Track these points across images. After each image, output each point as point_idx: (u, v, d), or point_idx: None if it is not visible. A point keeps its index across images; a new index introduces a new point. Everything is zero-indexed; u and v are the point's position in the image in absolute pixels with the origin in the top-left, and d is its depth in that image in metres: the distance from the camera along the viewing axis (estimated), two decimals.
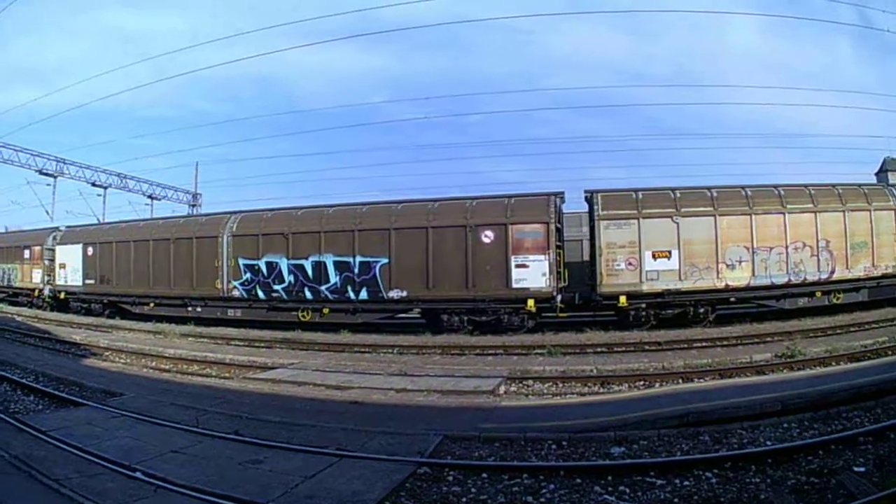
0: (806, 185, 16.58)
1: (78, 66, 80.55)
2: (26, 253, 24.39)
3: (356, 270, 16.04)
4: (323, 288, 16.44)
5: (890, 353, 11.06)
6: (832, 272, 16.00)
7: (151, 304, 19.31)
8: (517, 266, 14.89)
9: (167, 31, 74.29)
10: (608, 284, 15.02)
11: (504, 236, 15.00)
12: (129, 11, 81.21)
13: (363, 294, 16.02)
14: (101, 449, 6.06)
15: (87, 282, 21.21)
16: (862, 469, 4.85)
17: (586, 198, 15.69)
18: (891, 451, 5.24)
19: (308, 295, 16.65)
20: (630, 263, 15.05)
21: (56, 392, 9.56)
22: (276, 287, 17.00)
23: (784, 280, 15.59)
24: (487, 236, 15.15)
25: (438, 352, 13.48)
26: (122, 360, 14.12)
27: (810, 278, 15.78)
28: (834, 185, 16.95)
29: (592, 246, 15.35)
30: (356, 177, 56.86)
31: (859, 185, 17.42)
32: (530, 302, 14.81)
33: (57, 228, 24.35)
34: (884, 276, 16.47)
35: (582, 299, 15.61)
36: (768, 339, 13.22)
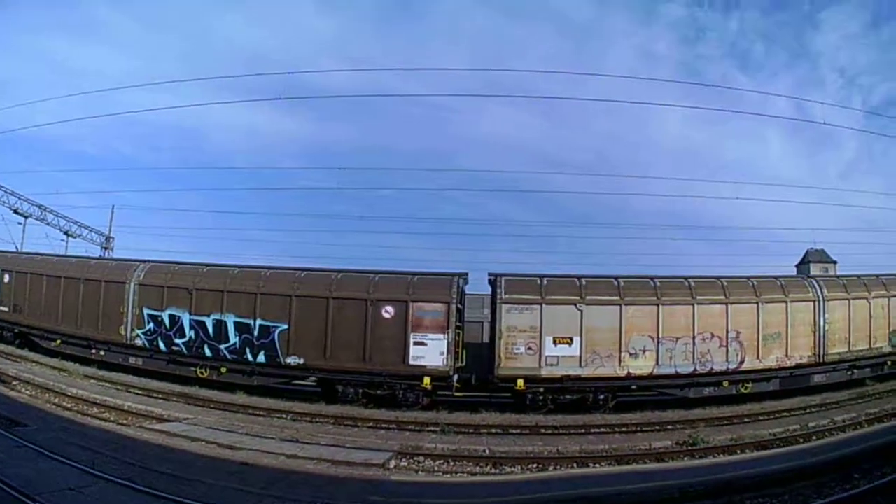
0: (718, 277, 16.67)
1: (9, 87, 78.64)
2: None
3: (256, 333, 15.83)
4: (222, 347, 16.19)
5: (801, 440, 11.14)
6: (741, 362, 16.10)
7: (58, 341, 18.83)
8: (415, 343, 14.80)
9: (102, 67, 72.83)
10: (506, 367, 14.89)
11: (405, 313, 14.91)
12: (71, 41, 78.98)
13: (261, 357, 15.78)
14: (3, 475, 6.34)
15: (1, 308, 20.66)
16: None
17: (490, 281, 15.58)
18: None
19: (207, 352, 16.38)
20: (530, 348, 14.93)
21: None
22: (178, 341, 16.70)
23: (690, 370, 15.62)
24: (388, 311, 15.03)
25: (332, 421, 13.38)
26: (28, 392, 14.10)
27: (718, 368, 15.84)
28: (749, 278, 17.08)
29: (493, 328, 15.22)
30: (265, 239, 57.22)
31: (776, 278, 17.54)
32: (426, 379, 14.71)
33: None
34: (797, 367, 16.57)
35: (479, 380, 15.48)
36: (670, 426, 13.16)
